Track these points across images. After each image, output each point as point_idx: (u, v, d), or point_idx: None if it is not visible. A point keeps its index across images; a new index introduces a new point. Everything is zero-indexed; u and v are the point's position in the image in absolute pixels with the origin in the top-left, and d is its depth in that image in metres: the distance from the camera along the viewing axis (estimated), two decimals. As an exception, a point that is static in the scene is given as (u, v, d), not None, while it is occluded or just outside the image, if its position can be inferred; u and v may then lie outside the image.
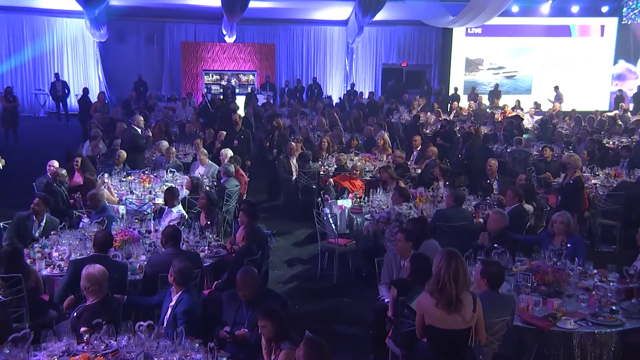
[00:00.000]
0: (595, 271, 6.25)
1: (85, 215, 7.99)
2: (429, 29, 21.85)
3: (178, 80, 23.02)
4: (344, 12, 20.66)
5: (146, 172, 10.35)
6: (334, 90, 22.62)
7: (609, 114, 19.28)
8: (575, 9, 20.72)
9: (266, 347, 4.69)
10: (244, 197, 10.30)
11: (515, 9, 19.46)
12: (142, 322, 4.77)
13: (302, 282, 8.53)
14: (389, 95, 21.68)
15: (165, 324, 5.30)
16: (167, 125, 14.29)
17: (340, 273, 8.46)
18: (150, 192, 9.53)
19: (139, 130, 11.70)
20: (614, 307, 5.42)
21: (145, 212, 8.80)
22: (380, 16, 19.21)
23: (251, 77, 23.12)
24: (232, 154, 10.95)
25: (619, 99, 21.49)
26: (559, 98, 20.56)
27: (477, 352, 4.75)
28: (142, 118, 12.22)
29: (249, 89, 22.18)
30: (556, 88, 20.85)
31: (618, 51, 22.32)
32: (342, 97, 21.36)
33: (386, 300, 5.95)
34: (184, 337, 4.64)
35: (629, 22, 15.10)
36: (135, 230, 7.27)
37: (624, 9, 13.98)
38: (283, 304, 5.62)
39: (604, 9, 20.56)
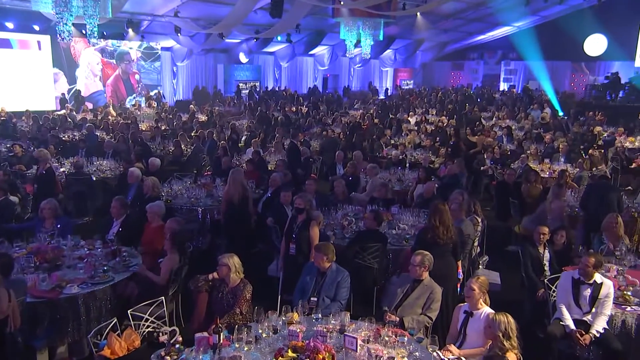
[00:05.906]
0: (83, 242, 6.10)
1: None
2: None
3: None
4: None
5: None
6: None
7: (59, 113, 18.62)
8: (10, 25, 18.70)
9: None
10: None
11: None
12: None
13: None
14: None
15: None
16: None
17: None
18: None
19: None
20: (105, 268, 5.43)
21: None
22: None
23: None
24: None
25: (63, 100, 20.96)
26: None
27: (16, 336, 4.18)
28: None
29: None
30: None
31: (54, 62, 21.51)
32: None
33: None
34: None
35: (63, 40, 14.48)
36: None
37: (58, 29, 13.38)
38: None
39: (37, 27, 19.30)
